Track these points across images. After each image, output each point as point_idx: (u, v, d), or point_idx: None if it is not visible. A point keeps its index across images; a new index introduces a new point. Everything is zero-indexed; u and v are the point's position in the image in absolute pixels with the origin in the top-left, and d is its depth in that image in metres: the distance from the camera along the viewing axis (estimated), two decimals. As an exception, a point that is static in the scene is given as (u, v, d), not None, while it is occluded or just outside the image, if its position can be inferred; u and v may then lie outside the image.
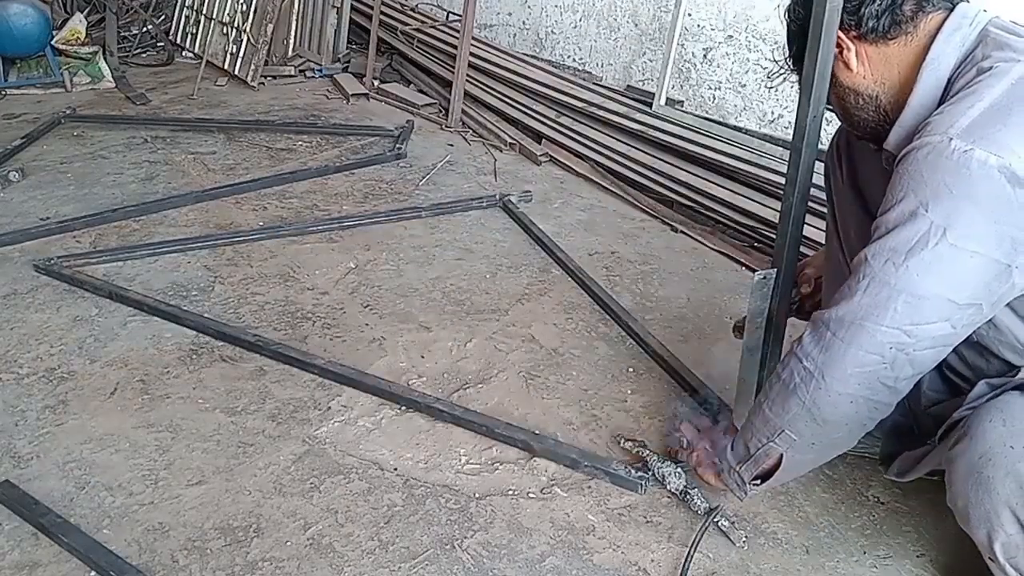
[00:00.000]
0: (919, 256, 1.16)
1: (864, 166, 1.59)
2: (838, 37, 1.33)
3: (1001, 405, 1.23)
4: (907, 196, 1.18)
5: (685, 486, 1.62)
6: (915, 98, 1.29)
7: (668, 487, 1.64)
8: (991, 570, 1.26)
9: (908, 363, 1.22)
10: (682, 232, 2.84)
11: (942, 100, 1.26)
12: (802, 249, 1.56)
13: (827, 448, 1.38)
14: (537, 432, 1.80)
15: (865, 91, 1.37)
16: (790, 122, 2.72)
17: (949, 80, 1.27)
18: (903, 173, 1.19)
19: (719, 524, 1.57)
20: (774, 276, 1.52)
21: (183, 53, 4.77)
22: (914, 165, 1.18)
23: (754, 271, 1.89)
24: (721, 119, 3.38)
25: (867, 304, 1.21)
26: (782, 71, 1.48)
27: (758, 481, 1.45)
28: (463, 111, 3.82)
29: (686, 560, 1.49)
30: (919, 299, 1.18)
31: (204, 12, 4.65)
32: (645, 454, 1.70)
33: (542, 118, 3.64)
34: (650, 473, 1.66)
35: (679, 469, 1.64)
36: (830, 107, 1.46)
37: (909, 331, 1.19)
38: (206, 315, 2.21)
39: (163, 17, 4.99)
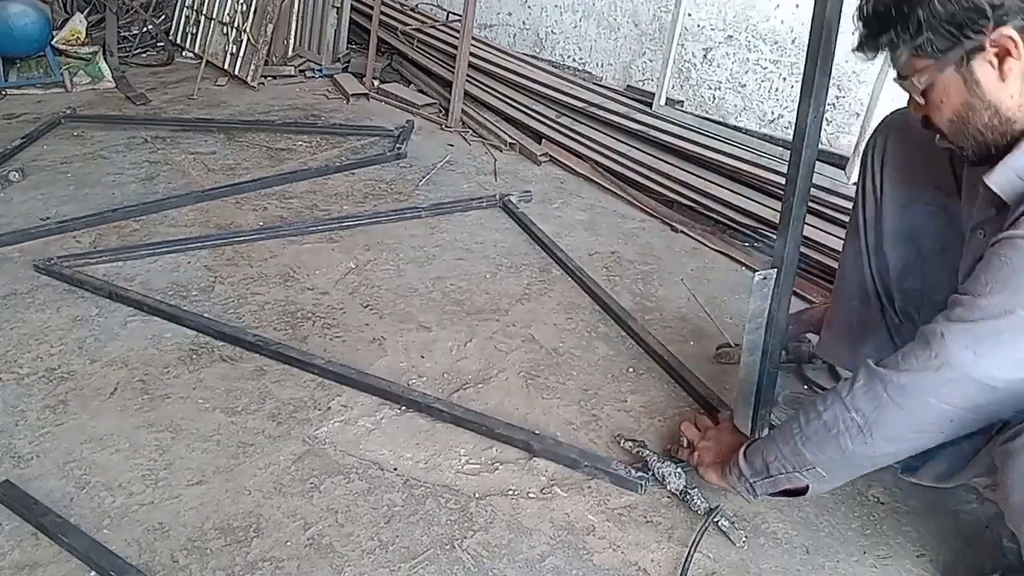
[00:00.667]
0: (1004, 351, 1.13)
1: (913, 172, 1.53)
2: (1011, 39, 1.11)
3: None
4: (1005, 291, 1.12)
5: (685, 486, 1.62)
6: None
7: (668, 487, 1.64)
8: None
9: (964, 427, 1.21)
10: (682, 232, 2.84)
11: None
12: (802, 249, 1.56)
13: (854, 477, 1.39)
14: (537, 432, 1.80)
15: (1005, 112, 1.17)
16: (790, 122, 2.72)
17: None
18: (1005, 261, 1.13)
19: (719, 524, 1.57)
20: (774, 276, 1.52)
21: (183, 53, 4.76)
22: (1019, 258, 1.12)
23: (754, 271, 1.89)
24: (721, 119, 3.39)
25: (934, 381, 1.16)
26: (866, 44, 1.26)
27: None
28: (463, 111, 3.82)
29: (686, 560, 1.49)
30: (993, 388, 1.14)
31: (204, 12, 4.65)
32: (645, 454, 1.70)
33: (542, 118, 3.64)
34: (650, 473, 1.66)
35: (679, 469, 1.64)
36: (931, 123, 1.26)
37: (975, 408, 1.17)
38: (206, 315, 2.21)
39: (163, 17, 4.99)
